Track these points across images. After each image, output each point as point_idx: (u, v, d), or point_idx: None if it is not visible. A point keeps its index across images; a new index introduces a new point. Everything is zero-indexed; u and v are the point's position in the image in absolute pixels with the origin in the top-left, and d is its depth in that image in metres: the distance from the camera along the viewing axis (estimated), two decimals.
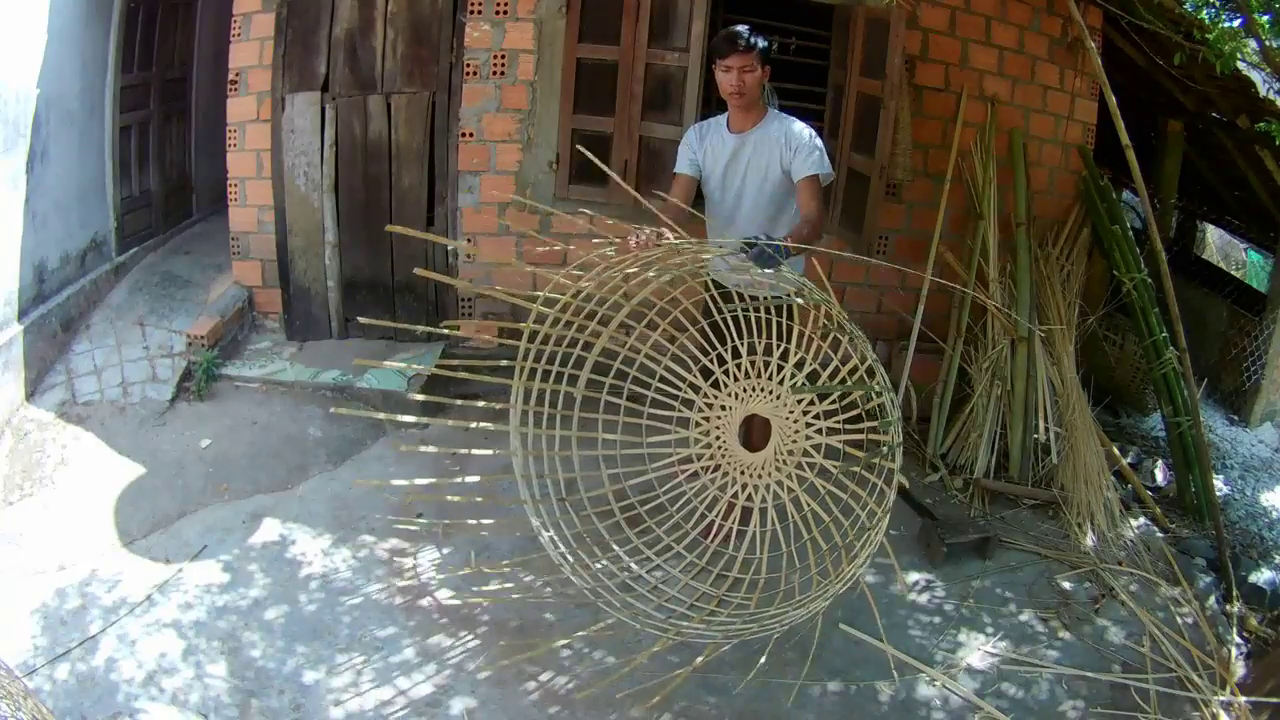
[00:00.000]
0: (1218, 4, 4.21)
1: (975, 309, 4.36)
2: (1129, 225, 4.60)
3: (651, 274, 2.83)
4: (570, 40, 4.22)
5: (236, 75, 4.27)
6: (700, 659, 2.68)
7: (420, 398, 3.33)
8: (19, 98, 3.68)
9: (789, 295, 2.95)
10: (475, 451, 3.29)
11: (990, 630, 3.22)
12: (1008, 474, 4.04)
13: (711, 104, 4.27)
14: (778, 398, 2.97)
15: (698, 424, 3.10)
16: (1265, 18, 3.26)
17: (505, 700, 2.75)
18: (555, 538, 2.94)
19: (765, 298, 3.02)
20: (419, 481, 3.44)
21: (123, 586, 3.02)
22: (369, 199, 4.44)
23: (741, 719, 2.76)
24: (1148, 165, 4.75)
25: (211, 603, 2.99)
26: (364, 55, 4.28)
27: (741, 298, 3.07)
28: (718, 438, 3.07)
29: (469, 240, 4.46)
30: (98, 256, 4.45)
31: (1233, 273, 6.93)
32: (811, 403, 2.95)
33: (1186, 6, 4.05)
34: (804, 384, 2.94)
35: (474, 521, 3.32)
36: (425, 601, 3.10)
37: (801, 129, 3.03)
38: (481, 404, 3.22)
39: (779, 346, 2.96)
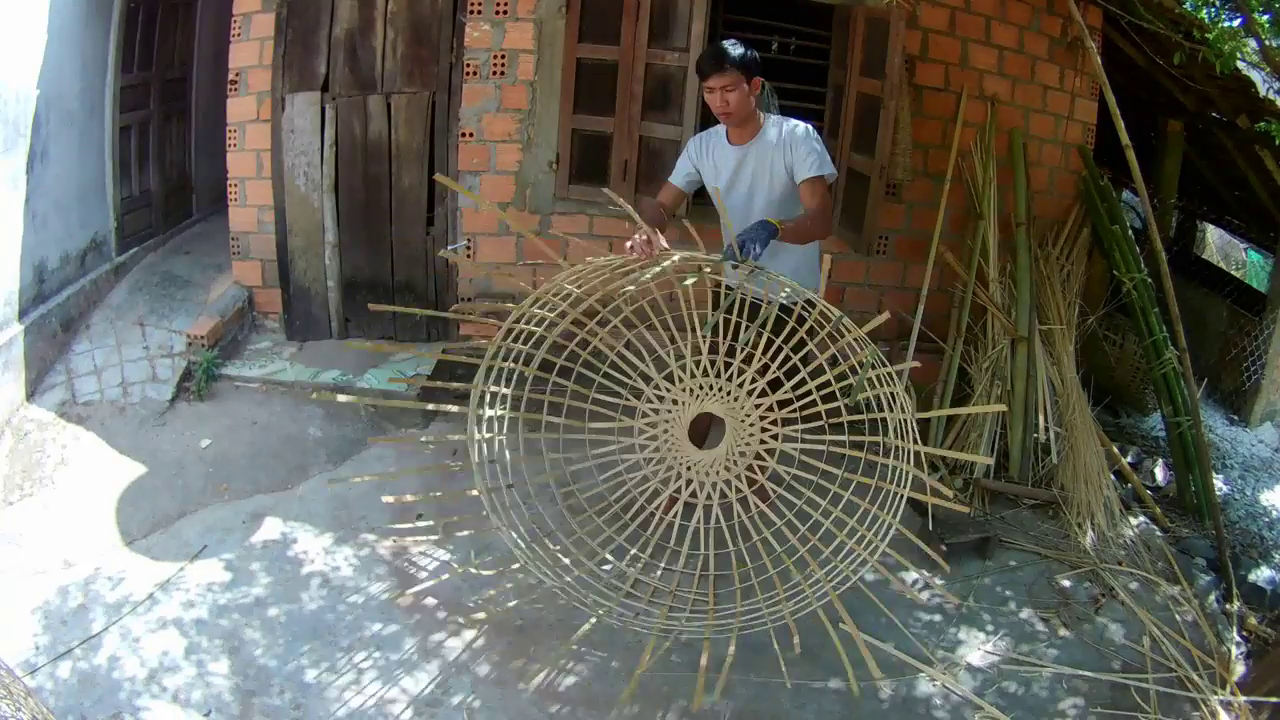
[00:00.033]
0: (1218, 4, 4.21)
1: (975, 309, 4.36)
2: (1129, 225, 4.61)
3: (648, 275, 2.86)
4: (570, 40, 4.23)
5: (236, 75, 4.28)
6: (703, 657, 2.68)
7: (429, 384, 3.34)
8: (19, 98, 3.68)
9: (795, 304, 2.97)
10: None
11: (990, 629, 3.23)
12: (1008, 474, 4.04)
13: None
14: (735, 399, 2.98)
15: (644, 415, 3.10)
16: (1265, 17, 3.27)
17: (506, 699, 2.76)
18: (516, 535, 2.96)
19: (770, 301, 3.02)
20: (409, 498, 3.44)
21: (124, 585, 3.02)
22: (369, 199, 4.44)
23: (741, 718, 2.76)
24: (1148, 165, 4.75)
25: (213, 601, 3.00)
26: (364, 55, 4.28)
27: (754, 305, 3.07)
28: (665, 431, 3.07)
29: (469, 240, 4.46)
30: (98, 256, 4.45)
31: (1233, 273, 6.93)
32: (770, 408, 2.97)
33: (1186, 6, 4.06)
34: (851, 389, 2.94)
35: (469, 532, 3.32)
36: (426, 600, 3.10)
37: (801, 130, 3.02)
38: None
39: (763, 355, 2.96)
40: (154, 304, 4.46)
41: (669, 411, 3.08)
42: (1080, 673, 3.02)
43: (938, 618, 3.26)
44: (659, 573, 3.09)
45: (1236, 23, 3.65)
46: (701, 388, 3.04)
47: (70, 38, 4.03)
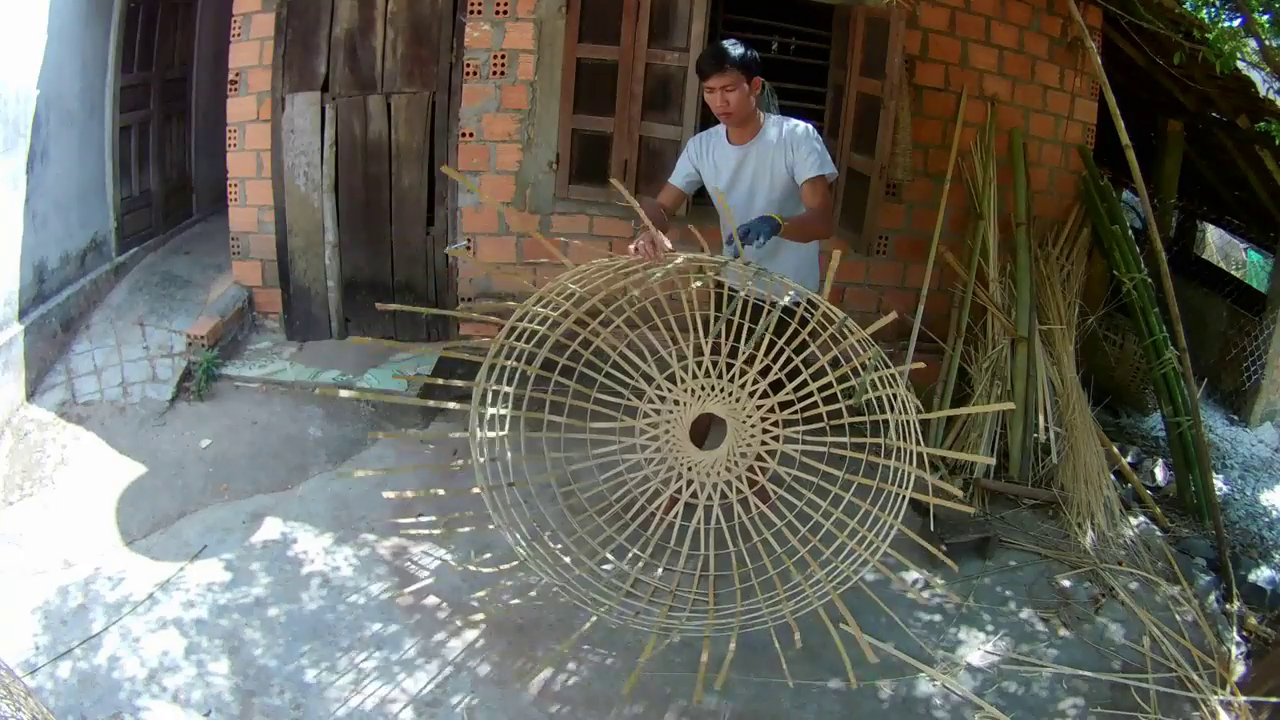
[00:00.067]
0: (1218, 4, 4.21)
1: (975, 309, 4.36)
2: (1129, 225, 4.61)
3: (655, 276, 2.87)
4: (570, 40, 4.23)
5: (236, 75, 4.28)
6: (704, 652, 2.68)
7: (436, 379, 3.34)
8: (19, 98, 3.68)
9: (798, 305, 2.97)
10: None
11: (990, 629, 3.23)
12: (1008, 474, 4.03)
13: None
14: (736, 400, 2.98)
15: (646, 415, 3.10)
16: (1265, 17, 3.27)
17: (506, 699, 2.76)
18: (517, 533, 2.96)
19: (773, 303, 3.02)
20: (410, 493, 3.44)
21: (124, 585, 3.02)
22: (369, 199, 4.44)
23: (741, 718, 2.76)
24: (1148, 165, 4.75)
25: (213, 601, 3.00)
26: (364, 55, 4.28)
27: (757, 306, 3.07)
28: (666, 431, 3.07)
29: (469, 241, 4.46)
30: (98, 256, 4.45)
31: (1233, 273, 6.93)
32: (771, 409, 2.97)
33: (1186, 6, 4.06)
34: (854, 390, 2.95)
35: (469, 529, 3.32)
36: (426, 600, 3.10)
37: (801, 130, 3.02)
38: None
39: (765, 357, 2.96)
40: (154, 304, 4.46)
41: (670, 412, 3.08)
42: (1080, 673, 3.02)
43: (938, 618, 3.26)
44: (659, 572, 3.09)
45: (1236, 23, 3.65)
46: (703, 388, 3.04)
47: (70, 38, 4.03)
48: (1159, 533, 3.93)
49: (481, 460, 3.03)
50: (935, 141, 4.50)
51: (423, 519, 3.43)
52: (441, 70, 4.32)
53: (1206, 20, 3.92)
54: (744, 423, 2.99)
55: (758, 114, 3.07)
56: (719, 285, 3.19)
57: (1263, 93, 4.22)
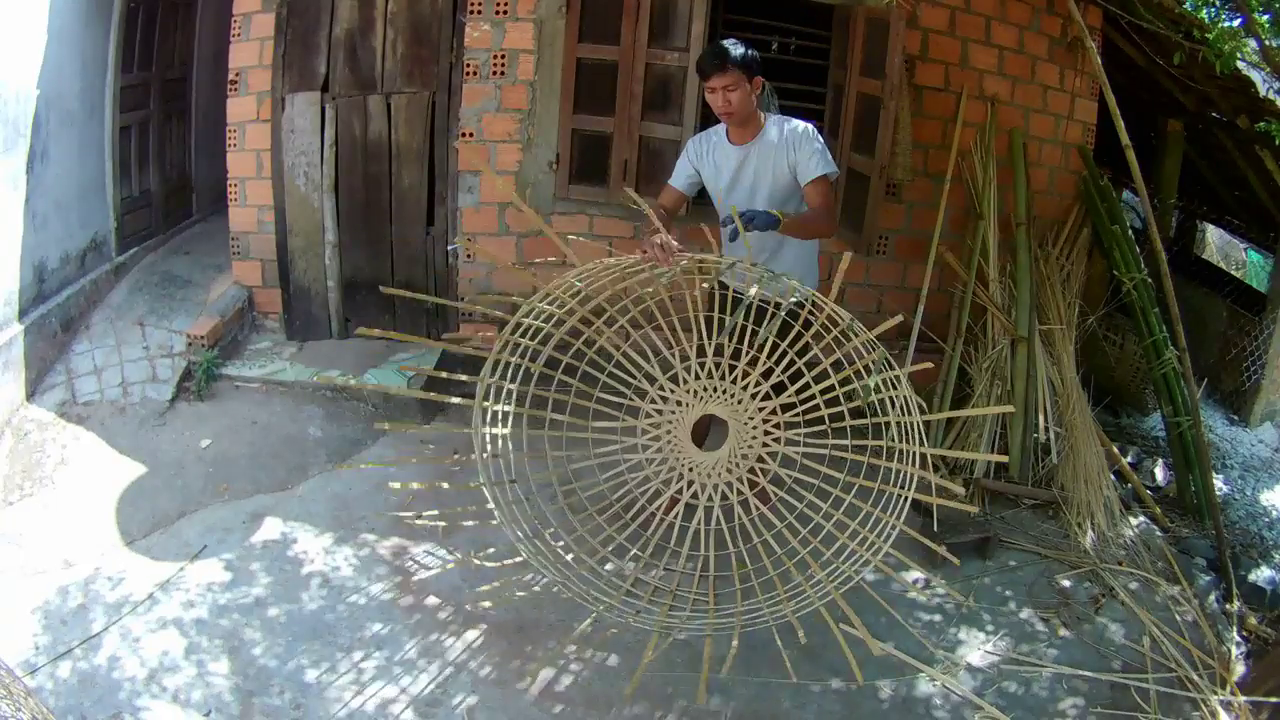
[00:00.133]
0: (1218, 4, 4.21)
1: (975, 309, 4.36)
2: (1129, 225, 4.61)
3: (664, 278, 2.87)
4: (570, 40, 4.22)
5: (236, 75, 4.27)
6: (720, 652, 2.68)
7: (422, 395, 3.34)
8: (19, 98, 3.68)
9: (802, 306, 2.97)
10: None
11: (990, 629, 3.23)
12: (1008, 474, 4.04)
13: None
14: (738, 402, 2.98)
15: (648, 415, 3.10)
16: (1265, 17, 3.26)
17: (506, 699, 2.76)
18: (519, 531, 2.96)
19: (774, 304, 3.01)
20: (415, 486, 3.44)
21: (124, 585, 3.02)
22: (369, 199, 4.44)
23: (741, 718, 2.76)
24: (1148, 165, 4.75)
25: (213, 601, 3.00)
26: (364, 55, 4.28)
27: (760, 308, 3.07)
28: (668, 432, 3.07)
29: (468, 241, 4.46)
30: (98, 256, 4.45)
31: (1233, 273, 6.93)
32: (774, 411, 2.97)
33: (1186, 6, 4.06)
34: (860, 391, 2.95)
35: (473, 524, 3.32)
36: (427, 600, 3.10)
37: (802, 130, 3.03)
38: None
39: (768, 359, 2.96)
40: (154, 304, 4.46)
41: (672, 413, 3.08)
42: (1080, 673, 3.03)
43: (938, 618, 3.26)
44: (658, 572, 3.09)
45: (1236, 23, 3.64)
46: (705, 389, 3.04)
47: (70, 38, 4.03)
48: (1159, 533, 3.93)
49: (484, 456, 3.03)
50: (935, 141, 4.50)
51: (426, 514, 3.42)
52: (441, 70, 4.32)
53: (1206, 20, 3.92)
54: (745, 424, 2.99)
55: (758, 114, 3.07)
56: (722, 287, 3.19)
57: (1263, 93, 4.22)
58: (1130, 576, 3.55)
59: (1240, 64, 3.82)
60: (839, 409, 2.88)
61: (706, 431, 3.23)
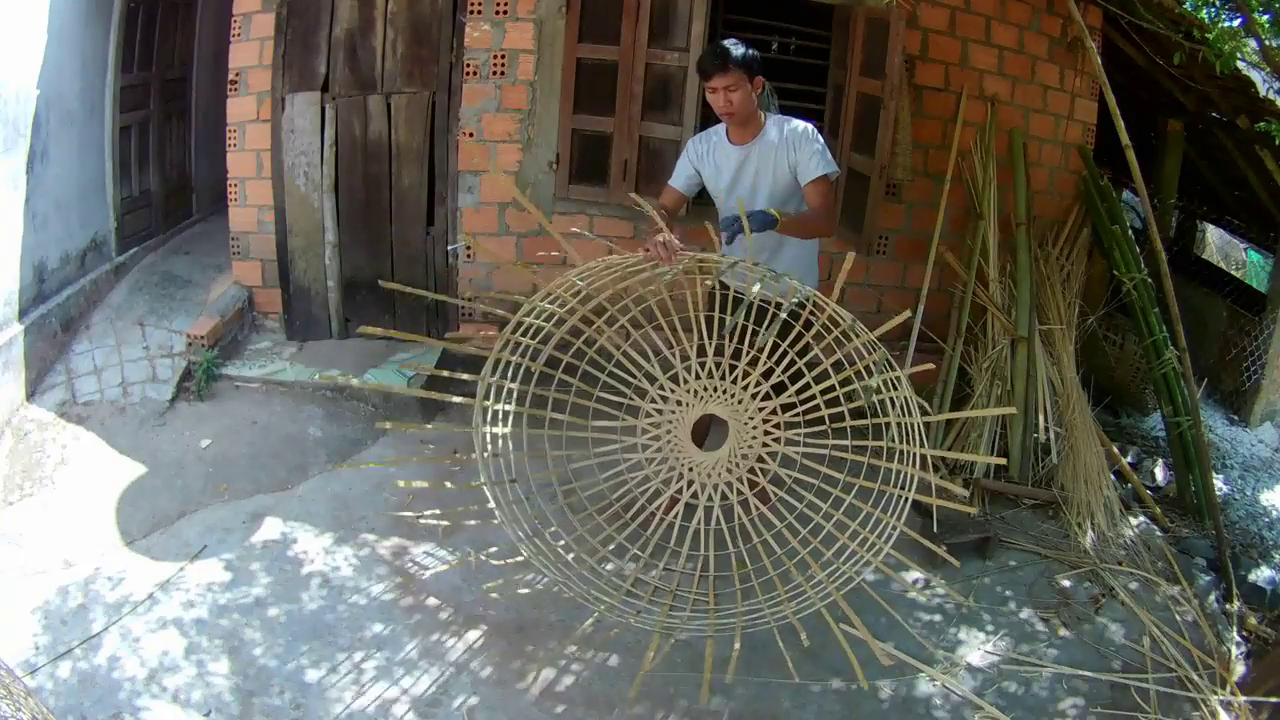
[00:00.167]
0: (1218, 4, 4.21)
1: (975, 309, 4.36)
2: (1129, 225, 4.61)
3: (667, 276, 2.87)
4: (570, 40, 4.23)
5: (236, 75, 4.27)
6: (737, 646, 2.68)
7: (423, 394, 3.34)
8: (19, 98, 3.68)
9: (803, 307, 2.97)
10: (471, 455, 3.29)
11: (990, 629, 3.23)
12: (1008, 474, 4.04)
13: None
14: (739, 402, 2.98)
15: (648, 415, 3.10)
16: (1265, 17, 3.27)
17: (506, 699, 2.76)
18: (520, 530, 2.96)
19: (775, 304, 3.01)
20: (417, 482, 3.44)
21: (124, 585, 3.02)
22: (369, 199, 4.44)
23: (741, 718, 2.76)
24: (1148, 165, 4.75)
25: (213, 601, 2.99)
26: (364, 55, 4.28)
27: (761, 308, 3.07)
28: (668, 431, 3.08)
29: (471, 241, 4.46)
30: (98, 256, 4.45)
31: (1233, 273, 6.93)
32: (774, 411, 2.97)
33: (1186, 6, 4.06)
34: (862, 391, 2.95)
35: (474, 523, 3.32)
36: (427, 600, 3.10)
37: (803, 129, 3.03)
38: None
39: (768, 360, 2.96)
40: (154, 304, 4.46)
41: (673, 412, 3.08)
42: (1080, 673, 3.03)
43: (938, 618, 3.26)
44: (656, 572, 3.09)
45: (1236, 23, 3.64)
46: (706, 389, 3.04)
47: (70, 38, 4.03)
48: (1159, 533, 3.93)
49: (485, 455, 3.03)
50: (935, 141, 4.50)
51: (428, 514, 3.42)
52: (441, 70, 4.32)
53: (1206, 20, 3.92)
54: (746, 424, 2.99)
55: (759, 114, 3.07)
56: (723, 287, 3.19)
57: (1263, 93, 4.22)
58: (1130, 576, 3.55)
59: (1240, 64, 3.82)
60: (839, 409, 2.88)
61: (706, 431, 3.23)
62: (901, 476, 2.77)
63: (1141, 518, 3.99)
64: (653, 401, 3.09)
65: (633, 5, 4.14)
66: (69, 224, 4.16)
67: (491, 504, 2.94)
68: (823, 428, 2.90)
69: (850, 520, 2.85)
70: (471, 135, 4.36)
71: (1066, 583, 3.50)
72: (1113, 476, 4.03)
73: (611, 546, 3.12)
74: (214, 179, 5.15)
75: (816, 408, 2.92)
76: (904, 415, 2.77)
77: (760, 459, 3.01)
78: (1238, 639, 3.33)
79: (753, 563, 2.97)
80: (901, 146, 4.19)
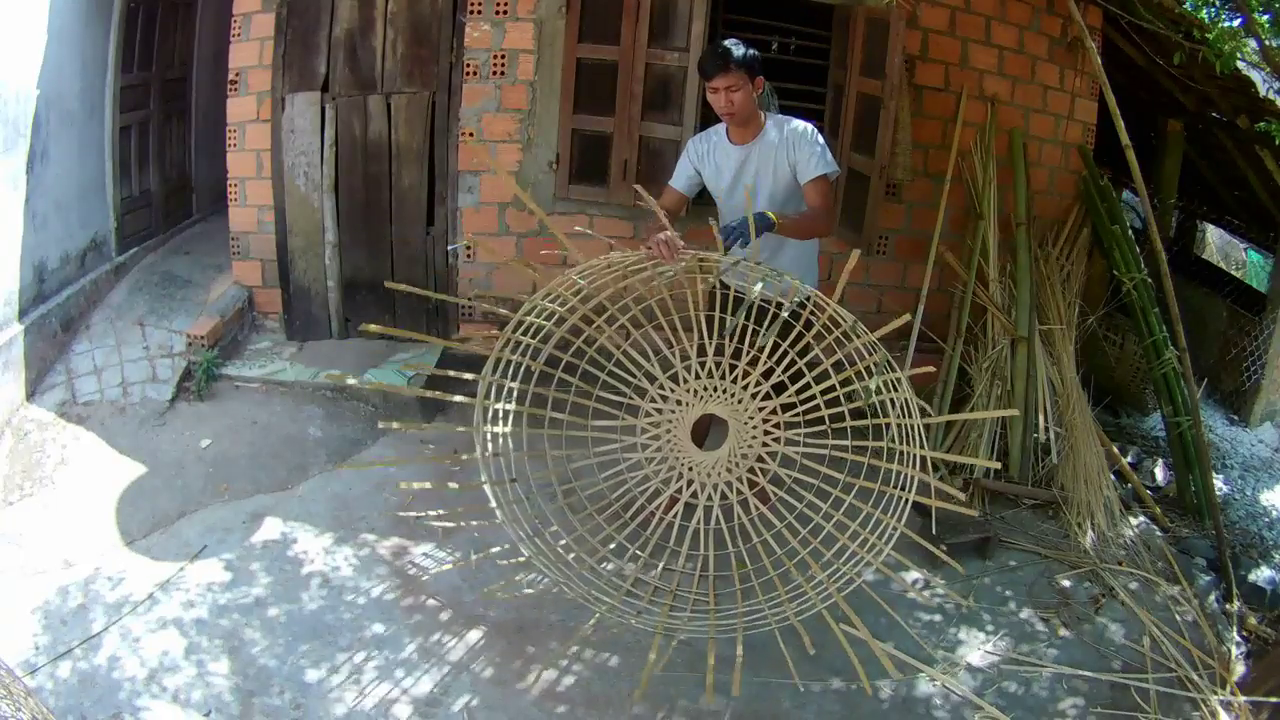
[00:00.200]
0: (1218, 4, 4.21)
1: (975, 309, 4.36)
2: (1129, 225, 4.61)
3: (669, 274, 2.87)
4: (570, 40, 4.23)
5: (236, 75, 4.28)
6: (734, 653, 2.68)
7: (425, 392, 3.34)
8: (19, 98, 3.68)
9: (794, 304, 2.97)
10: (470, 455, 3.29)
11: (990, 629, 3.23)
12: (1008, 474, 4.04)
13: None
14: (739, 401, 2.98)
15: (648, 414, 3.10)
16: (1265, 17, 3.27)
17: (506, 699, 2.76)
18: (521, 530, 2.96)
19: (775, 303, 3.01)
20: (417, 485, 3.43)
21: (124, 585, 3.02)
22: (369, 199, 4.44)
23: (742, 718, 2.76)
24: (1148, 165, 4.75)
25: (213, 601, 2.99)
26: (364, 55, 4.28)
27: (762, 308, 3.07)
28: (668, 431, 3.08)
29: (468, 241, 4.47)
30: (98, 256, 4.45)
31: (1233, 273, 6.93)
32: (774, 411, 2.97)
33: (1186, 6, 4.06)
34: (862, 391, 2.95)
35: (477, 523, 3.32)
36: (427, 601, 3.10)
37: (802, 129, 3.03)
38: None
39: (768, 359, 2.96)
40: (154, 304, 4.46)
41: (672, 412, 3.08)
42: (1080, 673, 3.03)
43: (938, 618, 3.26)
44: (657, 572, 3.09)
45: (1236, 23, 3.65)
46: (705, 389, 3.04)
47: (70, 38, 4.03)
48: (1159, 533, 3.93)
49: (486, 455, 3.03)
50: (935, 141, 4.50)
51: (431, 513, 3.42)
52: (441, 70, 4.32)
53: (1206, 20, 3.92)
54: (745, 424, 2.99)
55: (759, 114, 3.08)
56: (723, 286, 3.19)
57: (1263, 93, 4.22)
58: (1130, 576, 3.55)
59: (1240, 64, 3.82)
60: (839, 409, 2.88)
61: (706, 431, 3.23)
62: (901, 477, 2.77)
63: (1141, 518, 3.99)
64: (652, 401, 3.09)
65: (633, 5, 4.14)
66: (69, 224, 4.16)
67: (493, 503, 2.94)
68: (822, 428, 2.90)
69: (850, 521, 2.85)
70: (471, 135, 4.37)
71: (1066, 583, 3.50)
72: (1113, 476, 4.03)
73: (611, 546, 3.12)
74: (214, 179, 5.15)
75: (816, 408, 2.92)
76: (904, 416, 2.77)
77: (760, 459, 3.01)
78: (1238, 639, 3.33)
79: (752, 563, 2.97)
80: (901, 146, 4.19)
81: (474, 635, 2.97)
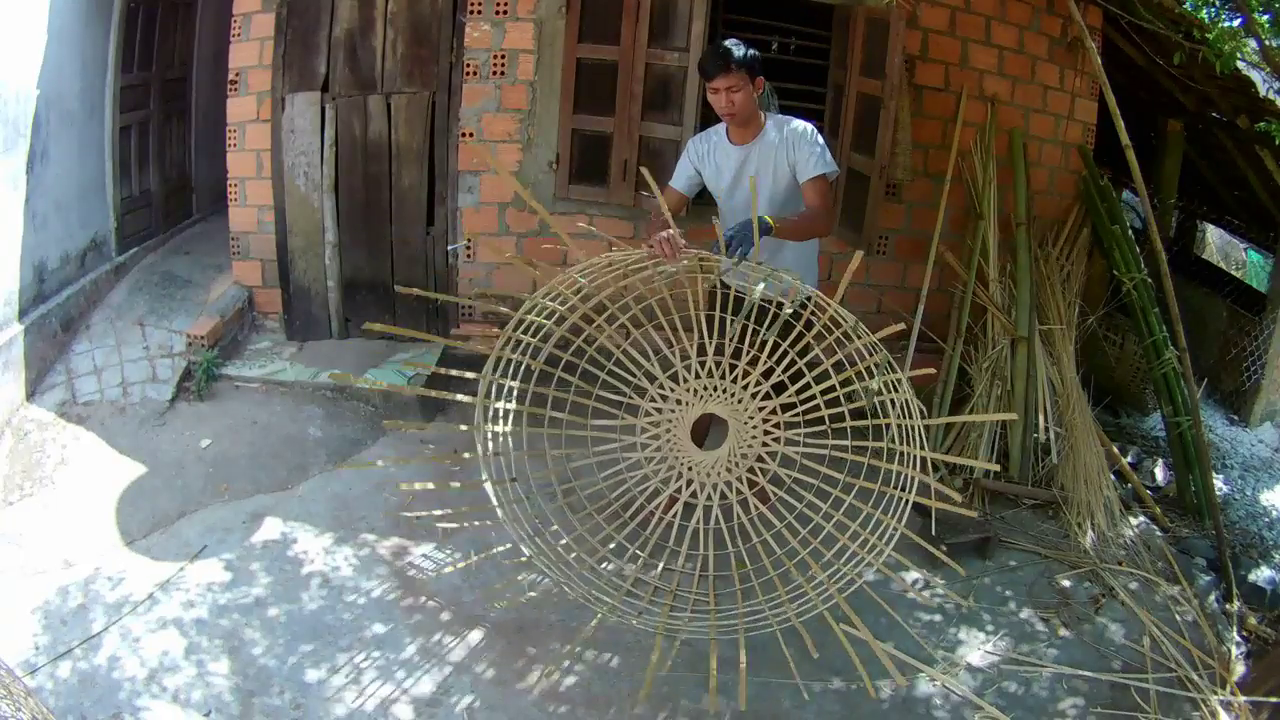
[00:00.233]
0: (1218, 4, 4.21)
1: (975, 309, 4.36)
2: (1129, 225, 4.61)
3: (671, 272, 2.87)
4: (570, 40, 4.22)
5: (236, 75, 4.27)
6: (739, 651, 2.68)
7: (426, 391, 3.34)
8: (19, 98, 3.68)
9: (804, 308, 2.97)
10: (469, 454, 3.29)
11: (990, 629, 3.23)
12: (1008, 474, 4.03)
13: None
14: (739, 401, 2.98)
15: (648, 414, 3.10)
16: (1265, 17, 3.27)
17: (506, 699, 2.76)
18: (521, 529, 2.96)
19: (776, 303, 3.01)
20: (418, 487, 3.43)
21: (124, 585, 3.02)
22: (369, 199, 4.44)
23: (742, 718, 2.76)
24: (1148, 165, 4.75)
25: (213, 601, 2.99)
26: (364, 55, 4.28)
27: (762, 308, 3.06)
28: (668, 430, 3.08)
29: (468, 241, 4.47)
30: (98, 256, 4.45)
31: (1233, 273, 6.94)
32: (774, 411, 2.97)
33: (1186, 6, 4.06)
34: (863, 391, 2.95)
35: (477, 524, 3.32)
36: (427, 601, 3.10)
37: (802, 129, 3.03)
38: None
39: (768, 359, 2.96)
40: (154, 304, 4.46)
41: (672, 411, 3.08)
42: (1080, 673, 3.03)
43: (938, 618, 3.26)
44: (657, 571, 3.09)
45: (1236, 23, 3.65)
46: (705, 388, 3.04)
47: (70, 38, 4.03)
48: (1159, 533, 3.93)
49: (486, 454, 3.02)
50: (935, 141, 4.50)
51: (431, 513, 3.42)
52: (441, 70, 4.32)
53: (1206, 20, 3.92)
54: (745, 424, 2.99)
55: (759, 114, 3.08)
56: (724, 286, 3.19)
57: (1263, 93, 4.22)
58: (1130, 576, 3.55)
59: (1240, 64, 3.82)
60: (839, 409, 2.88)
61: (706, 431, 3.23)
62: (901, 478, 2.77)
63: (1141, 518, 3.99)
64: (652, 401, 3.09)
65: (633, 5, 4.14)
66: (69, 224, 4.16)
67: (494, 503, 2.94)
68: (822, 428, 2.90)
69: (850, 521, 2.85)
70: (471, 135, 4.36)
71: (1066, 583, 3.50)
72: (1113, 476, 4.03)
73: (611, 546, 3.11)
74: (214, 179, 5.15)
75: (816, 408, 2.92)
76: (904, 417, 2.77)
77: (760, 459, 3.01)
78: (1238, 639, 3.33)
79: (752, 563, 2.97)
80: (901, 146, 4.19)
81: (474, 635, 2.98)
